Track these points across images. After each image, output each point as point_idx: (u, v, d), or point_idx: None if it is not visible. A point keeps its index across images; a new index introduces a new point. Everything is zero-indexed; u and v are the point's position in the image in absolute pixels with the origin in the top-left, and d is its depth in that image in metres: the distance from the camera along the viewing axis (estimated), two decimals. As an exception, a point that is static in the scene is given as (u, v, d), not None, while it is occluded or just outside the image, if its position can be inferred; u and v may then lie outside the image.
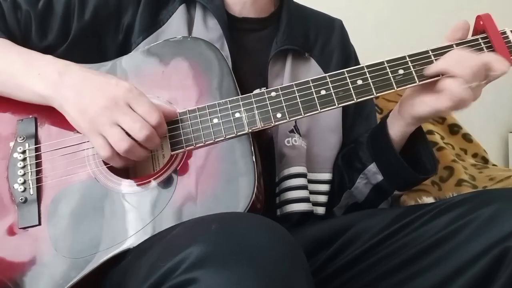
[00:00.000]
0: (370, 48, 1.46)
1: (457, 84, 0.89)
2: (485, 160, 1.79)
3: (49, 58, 0.93)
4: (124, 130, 0.85)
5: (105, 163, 0.92)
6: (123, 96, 0.86)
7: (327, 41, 1.16)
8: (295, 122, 1.06)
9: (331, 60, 1.14)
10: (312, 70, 1.11)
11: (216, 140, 0.91)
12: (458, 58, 0.91)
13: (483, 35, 0.96)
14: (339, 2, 1.80)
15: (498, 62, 0.91)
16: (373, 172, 1.05)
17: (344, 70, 0.93)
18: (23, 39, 1.00)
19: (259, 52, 1.09)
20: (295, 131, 1.06)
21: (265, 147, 1.04)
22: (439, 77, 0.92)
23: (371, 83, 0.92)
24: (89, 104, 0.86)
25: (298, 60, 1.11)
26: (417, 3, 2.14)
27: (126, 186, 0.91)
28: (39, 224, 0.90)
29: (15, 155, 0.93)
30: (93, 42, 1.03)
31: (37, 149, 0.94)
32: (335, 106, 0.92)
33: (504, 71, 0.91)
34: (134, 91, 0.87)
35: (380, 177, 1.05)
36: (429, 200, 1.43)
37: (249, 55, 1.09)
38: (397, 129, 1.01)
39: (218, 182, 0.90)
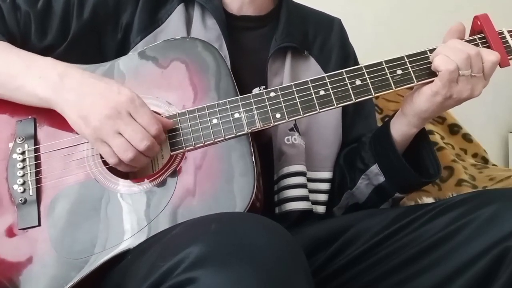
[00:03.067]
0: (369, 48, 1.46)
1: (441, 58, 0.91)
2: (485, 160, 1.79)
3: (49, 60, 0.93)
4: (126, 139, 0.86)
5: (105, 164, 0.92)
6: (125, 106, 0.87)
7: (326, 40, 1.16)
8: (295, 120, 1.06)
9: (330, 59, 1.14)
10: (312, 69, 1.11)
11: (215, 140, 0.91)
12: (453, 44, 0.93)
13: (480, 35, 0.97)
14: (338, 2, 1.80)
15: (487, 52, 0.93)
16: (375, 173, 1.05)
17: (343, 70, 0.94)
18: (22, 40, 1.00)
19: (258, 50, 1.09)
20: (294, 130, 1.06)
21: (264, 146, 1.04)
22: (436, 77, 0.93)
23: (369, 83, 0.93)
24: (91, 112, 0.87)
25: (297, 58, 1.10)
26: (417, 3, 2.14)
27: (126, 186, 0.91)
28: (39, 225, 0.90)
29: (15, 156, 0.93)
30: (92, 41, 1.03)
31: (36, 150, 0.94)
32: (334, 106, 0.93)
33: (493, 61, 0.92)
34: (136, 101, 0.88)
35: (382, 179, 1.05)
36: (429, 200, 1.43)
37: (248, 53, 1.09)
38: (399, 129, 1.01)
39: (217, 182, 0.90)
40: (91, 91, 0.88)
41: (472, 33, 0.99)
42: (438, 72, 0.92)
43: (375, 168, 1.05)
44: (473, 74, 0.92)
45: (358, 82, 0.93)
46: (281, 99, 0.92)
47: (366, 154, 1.06)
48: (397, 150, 1.01)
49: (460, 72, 0.91)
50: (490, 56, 0.92)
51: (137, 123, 0.87)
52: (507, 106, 2.30)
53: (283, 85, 0.94)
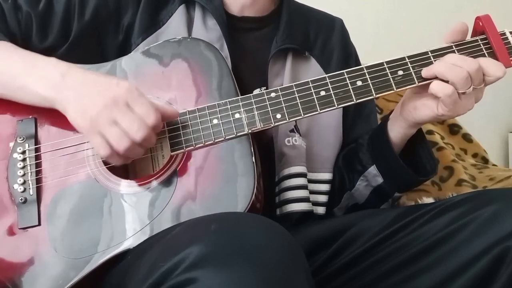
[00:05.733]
0: (370, 48, 1.46)
1: (436, 84, 0.90)
2: (485, 160, 1.79)
3: (51, 60, 0.93)
4: (122, 128, 0.86)
5: (105, 164, 0.92)
6: (123, 96, 0.86)
7: (327, 40, 1.16)
8: (296, 121, 1.06)
9: (331, 59, 1.14)
10: (313, 69, 1.11)
11: (215, 140, 0.91)
12: (454, 63, 0.91)
13: (482, 36, 0.96)
14: (339, 2, 1.80)
15: (493, 67, 0.91)
16: (373, 175, 1.05)
17: (344, 71, 0.93)
18: (23, 40, 1.00)
19: (259, 51, 1.09)
20: (295, 131, 1.06)
21: (265, 147, 1.04)
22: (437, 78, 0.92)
23: (370, 84, 0.93)
24: (89, 104, 0.86)
25: (298, 59, 1.10)
26: (417, 3, 2.14)
27: (126, 186, 0.92)
28: (39, 224, 0.90)
29: (15, 155, 0.93)
30: (93, 42, 1.03)
31: (37, 150, 0.94)
32: (334, 107, 0.92)
33: (499, 76, 0.91)
34: (134, 91, 0.87)
35: (380, 180, 1.05)
36: (429, 200, 1.43)
37: (249, 54, 1.09)
38: (398, 131, 1.01)
39: (217, 183, 0.90)
40: (91, 88, 0.88)
41: (474, 33, 0.98)
42: (441, 98, 0.91)
43: (373, 170, 1.05)
44: (474, 87, 0.90)
45: (359, 83, 0.93)
46: (282, 99, 0.92)
47: (364, 156, 1.06)
48: (394, 151, 1.01)
49: (460, 91, 0.90)
50: (497, 72, 0.91)
51: (134, 113, 0.86)
52: (507, 106, 2.30)
53: (283, 86, 0.94)
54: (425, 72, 0.92)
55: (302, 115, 0.92)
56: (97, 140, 0.87)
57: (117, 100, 0.86)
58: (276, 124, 0.92)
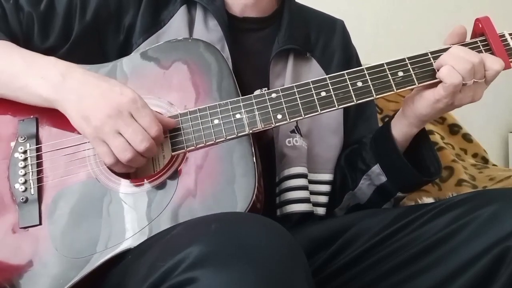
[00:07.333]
0: (370, 49, 1.46)
1: (447, 70, 0.91)
2: (485, 160, 1.79)
3: (51, 59, 0.93)
4: (125, 139, 0.87)
5: (106, 164, 0.92)
6: (126, 106, 0.87)
7: (328, 42, 1.16)
8: (296, 122, 1.06)
9: (332, 61, 1.14)
10: (314, 70, 1.11)
11: (216, 140, 0.91)
12: (457, 52, 0.93)
13: (482, 38, 0.96)
14: (339, 2, 1.80)
15: (492, 60, 0.93)
16: (376, 173, 1.05)
17: (344, 72, 0.94)
18: (25, 41, 1.00)
19: (260, 52, 1.09)
20: (296, 132, 1.06)
21: (266, 148, 1.04)
22: (438, 80, 0.93)
23: (371, 85, 0.93)
24: (92, 111, 0.87)
25: (299, 60, 1.11)
26: (417, 4, 2.14)
27: (127, 186, 0.92)
28: (40, 223, 0.91)
29: (16, 155, 0.94)
30: (94, 42, 1.03)
31: (38, 149, 0.94)
32: (335, 108, 0.93)
33: (498, 70, 0.93)
34: (138, 101, 0.88)
35: (383, 178, 1.05)
36: (429, 200, 1.43)
37: (250, 55, 1.09)
38: (400, 129, 1.01)
39: (218, 183, 0.90)
40: (93, 91, 0.89)
41: (474, 35, 0.98)
42: (443, 83, 0.92)
43: (376, 168, 1.05)
44: (475, 81, 0.92)
45: (359, 84, 0.93)
46: (283, 100, 0.92)
47: (367, 155, 1.06)
48: (398, 149, 1.01)
49: (463, 81, 0.91)
50: (495, 65, 0.92)
51: (138, 124, 0.87)
52: (507, 106, 2.30)
53: (284, 86, 0.94)
54: (435, 64, 0.94)
55: (303, 115, 0.92)
56: (102, 149, 0.88)
57: (121, 110, 0.86)
58: (277, 124, 0.92)
